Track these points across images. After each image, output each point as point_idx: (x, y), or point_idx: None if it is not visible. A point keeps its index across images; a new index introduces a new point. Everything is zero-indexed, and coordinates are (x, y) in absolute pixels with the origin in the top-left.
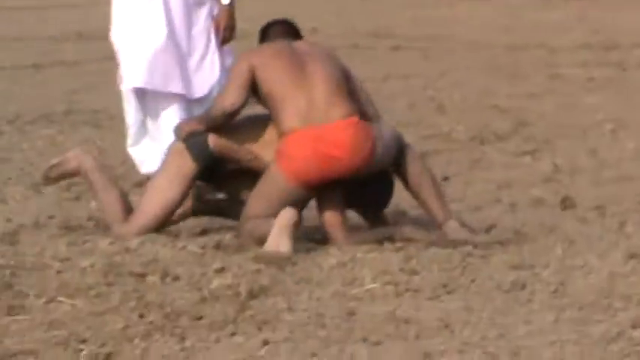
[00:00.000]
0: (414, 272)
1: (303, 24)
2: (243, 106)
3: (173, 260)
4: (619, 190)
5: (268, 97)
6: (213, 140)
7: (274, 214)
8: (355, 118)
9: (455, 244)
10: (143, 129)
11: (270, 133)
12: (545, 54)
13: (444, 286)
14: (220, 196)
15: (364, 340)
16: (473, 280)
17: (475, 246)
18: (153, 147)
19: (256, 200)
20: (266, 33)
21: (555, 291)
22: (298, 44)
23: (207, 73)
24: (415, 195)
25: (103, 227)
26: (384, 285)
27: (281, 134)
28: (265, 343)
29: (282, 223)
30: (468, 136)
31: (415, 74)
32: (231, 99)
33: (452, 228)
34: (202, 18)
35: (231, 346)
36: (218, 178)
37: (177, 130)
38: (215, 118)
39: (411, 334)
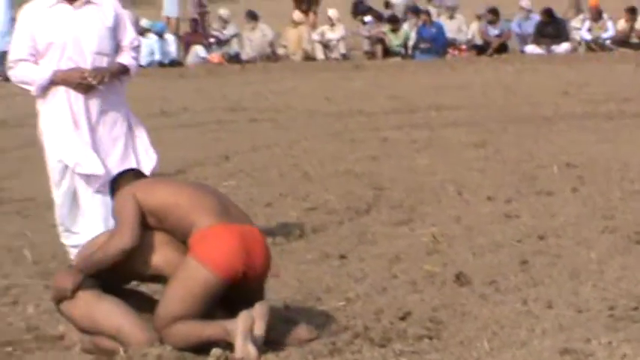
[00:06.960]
0: None
1: (175, 103)
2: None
3: None
4: (497, 259)
5: (166, 211)
6: None
7: (197, 313)
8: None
9: None
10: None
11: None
12: (366, 119)
13: None
14: None
15: None
16: None
17: None
18: None
19: (176, 300)
20: (118, 182)
21: None
22: None
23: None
24: None
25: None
26: None
27: (194, 233)
28: None
29: (244, 329)
30: (343, 207)
31: (273, 144)
32: (127, 237)
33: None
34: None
35: None
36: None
37: (56, 292)
38: (104, 260)
39: None
